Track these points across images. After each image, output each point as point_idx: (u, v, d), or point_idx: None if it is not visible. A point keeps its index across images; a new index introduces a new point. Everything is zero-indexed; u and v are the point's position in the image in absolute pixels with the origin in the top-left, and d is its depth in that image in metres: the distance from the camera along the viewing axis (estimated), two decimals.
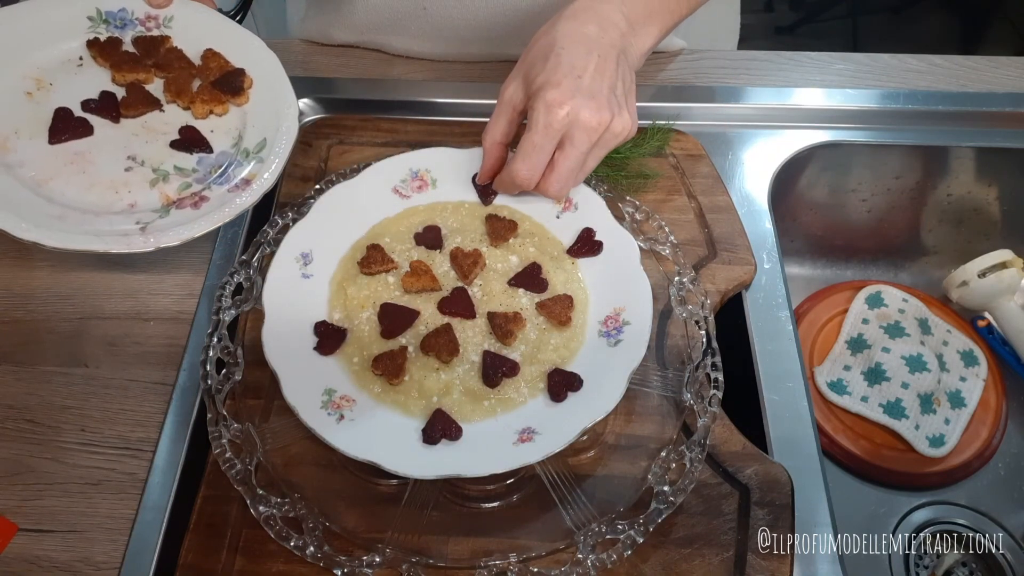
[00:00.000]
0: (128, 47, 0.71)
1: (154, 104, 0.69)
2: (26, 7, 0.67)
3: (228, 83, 0.70)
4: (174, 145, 0.67)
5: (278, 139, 0.67)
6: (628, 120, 0.61)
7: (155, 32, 0.72)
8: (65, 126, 0.65)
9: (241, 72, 0.71)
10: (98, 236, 0.60)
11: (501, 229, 0.66)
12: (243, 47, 0.72)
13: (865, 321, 0.88)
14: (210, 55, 0.71)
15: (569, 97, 0.58)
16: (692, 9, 0.71)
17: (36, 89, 0.66)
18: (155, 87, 0.70)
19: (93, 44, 0.69)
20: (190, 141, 0.67)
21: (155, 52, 0.71)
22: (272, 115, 0.69)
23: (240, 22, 0.77)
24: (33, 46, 0.67)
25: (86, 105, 0.66)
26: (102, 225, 0.61)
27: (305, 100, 0.85)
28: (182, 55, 0.72)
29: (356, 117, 0.83)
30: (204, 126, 0.69)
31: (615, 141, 0.62)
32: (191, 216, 0.62)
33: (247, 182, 0.65)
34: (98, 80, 0.69)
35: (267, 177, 0.65)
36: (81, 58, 0.69)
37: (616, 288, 0.63)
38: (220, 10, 0.74)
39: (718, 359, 0.62)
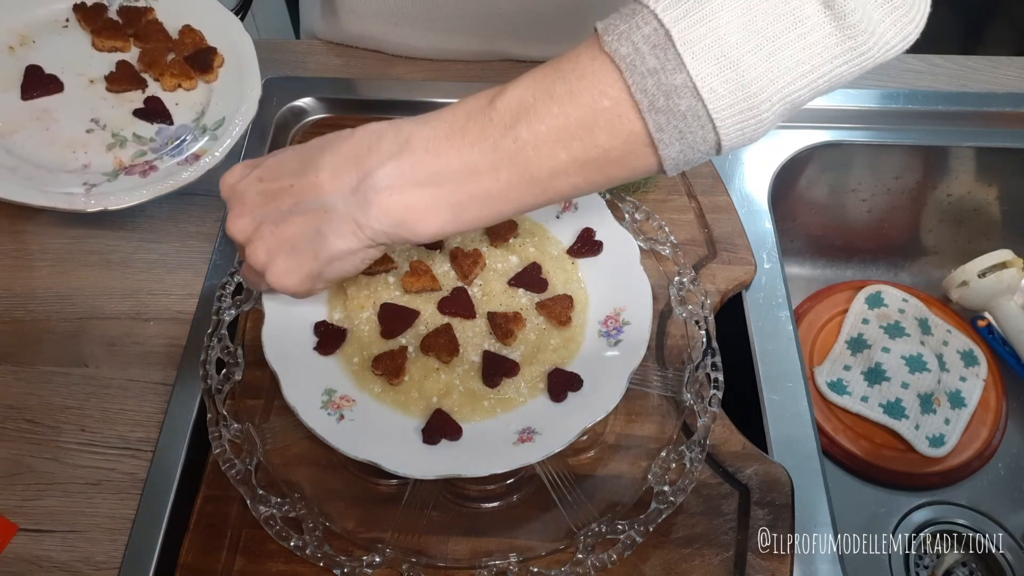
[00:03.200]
0: (113, 15, 0.73)
1: (139, 84, 0.71)
2: None
3: (199, 59, 0.72)
4: (137, 113, 0.69)
5: (235, 119, 0.69)
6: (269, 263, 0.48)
7: (141, 4, 0.74)
8: (36, 82, 0.67)
9: (213, 50, 0.73)
10: (43, 192, 0.61)
11: (501, 229, 0.66)
12: (222, 27, 0.74)
13: (865, 321, 0.88)
14: (187, 31, 0.74)
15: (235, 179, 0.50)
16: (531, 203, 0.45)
17: (19, 45, 0.68)
18: (131, 56, 0.72)
19: (79, 8, 0.72)
20: (153, 111, 0.69)
21: (136, 22, 0.73)
22: (236, 95, 0.71)
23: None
24: (24, 4, 0.70)
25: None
26: (51, 182, 0.62)
27: (305, 100, 0.85)
28: (161, 28, 0.74)
29: (356, 117, 0.83)
30: (170, 98, 0.71)
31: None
32: (136, 184, 0.64)
33: (196, 157, 0.67)
34: (79, 43, 0.72)
35: (217, 155, 0.67)
36: (67, 20, 0.72)
37: (616, 288, 0.63)
38: None
39: (718, 359, 0.62)
